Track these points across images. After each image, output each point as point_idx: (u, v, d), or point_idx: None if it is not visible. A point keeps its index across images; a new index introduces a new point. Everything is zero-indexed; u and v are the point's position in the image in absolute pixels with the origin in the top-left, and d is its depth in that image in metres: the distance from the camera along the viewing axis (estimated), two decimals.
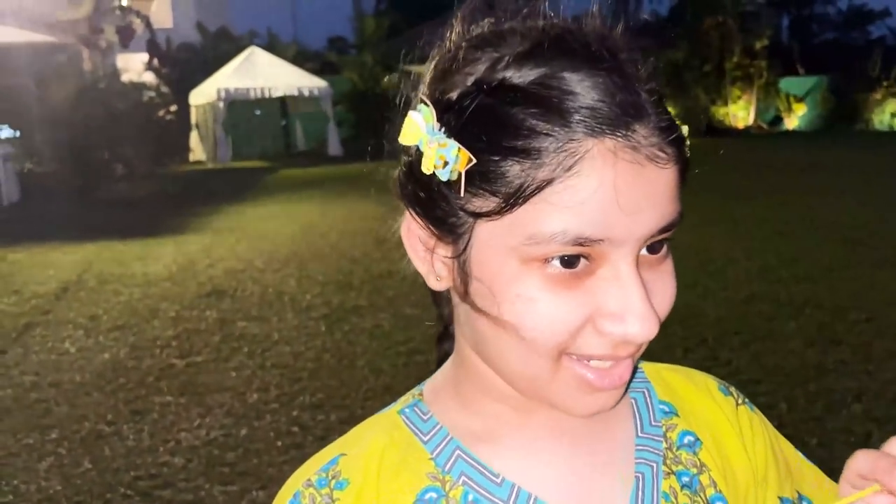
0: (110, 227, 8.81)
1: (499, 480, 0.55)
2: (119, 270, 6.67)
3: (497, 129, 0.46)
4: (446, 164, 0.47)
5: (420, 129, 0.49)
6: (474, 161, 0.46)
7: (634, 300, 0.47)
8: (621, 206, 0.45)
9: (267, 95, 16.70)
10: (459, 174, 0.47)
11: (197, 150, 17.22)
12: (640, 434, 0.59)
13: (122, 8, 14.72)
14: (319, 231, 8.15)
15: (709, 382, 0.65)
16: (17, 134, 13.72)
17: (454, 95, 0.48)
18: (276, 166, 15.88)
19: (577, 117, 0.45)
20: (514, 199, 0.46)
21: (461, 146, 0.47)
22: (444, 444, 0.56)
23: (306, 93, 16.89)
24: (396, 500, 0.54)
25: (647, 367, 0.64)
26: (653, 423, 0.60)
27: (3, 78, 12.74)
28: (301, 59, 19.81)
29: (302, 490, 0.56)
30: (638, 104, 0.46)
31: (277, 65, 17.04)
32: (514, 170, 0.46)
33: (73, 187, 11.53)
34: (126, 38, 14.35)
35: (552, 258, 0.46)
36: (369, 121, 18.91)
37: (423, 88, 0.51)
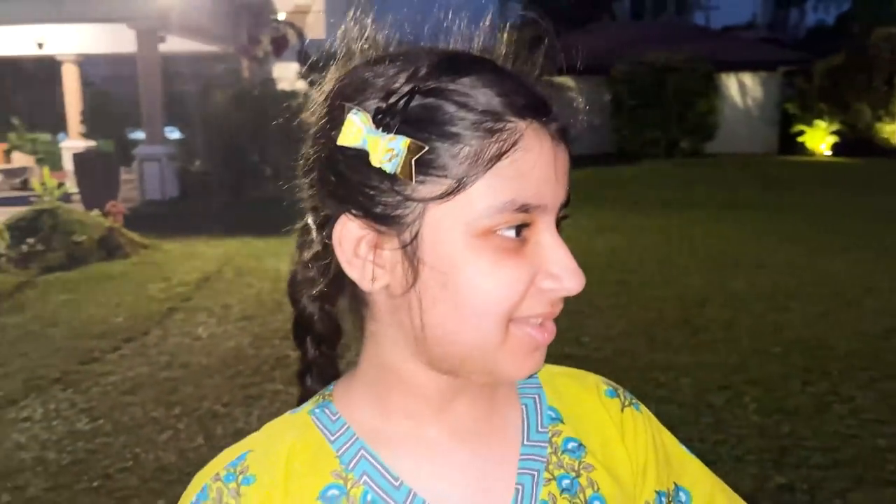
0: (253, 223, 9.42)
1: (397, 484, 0.58)
2: (254, 264, 7.15)
3: (439, 119, 0.52)
4: (395, 156, 0.51)
5: (362, 129, 0.52)
6: (426, 148, 0.51)
7: (567, 260, 0.54)
8: (546, 175, 0.53)
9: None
10: (407, 165, 0.51)
11: None
12: (525, 442, 0.62)
13: (277, 21, 15.72)
14: None
15: (599, 385, 0.69)
16: (181, 136, 15.01)
17: (383, 103, 0.53)
18: None
19: (509, 105, 0.53)
20: (465, 177, 0.51)
21: (407, 137, 0.51)
22: (349, 443, 0.59)
23: None
24: (302, 497, 0.57)
25: (542, 372, 0.67)
26: (539, 429, 0.63)
27: (171, 84, 13.97)
28: None
29: (210, 483, 0.58)
30: (545, 97, 0.56)
31: None
32: (459, 151, 0.51)
33: (225, 186, 12.43)
34: (279, 49, 15.31)
35: (501, 229, 0.52)
36: None
37: (337, 103, 0.55)
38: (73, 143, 15.37)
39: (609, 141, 19.36)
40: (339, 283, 0.59)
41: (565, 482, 0.61)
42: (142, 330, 5.11)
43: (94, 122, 16.13)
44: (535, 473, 0.61)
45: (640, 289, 6.00)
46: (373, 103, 0.53)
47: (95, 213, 8.24)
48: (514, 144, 0.52)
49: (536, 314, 0.55)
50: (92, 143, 15.39)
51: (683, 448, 0.72)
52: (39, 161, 16.23)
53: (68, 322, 5.34)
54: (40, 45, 13.97)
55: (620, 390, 0.69)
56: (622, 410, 0.67)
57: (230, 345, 4.76)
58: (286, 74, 17.76)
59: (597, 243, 7.87)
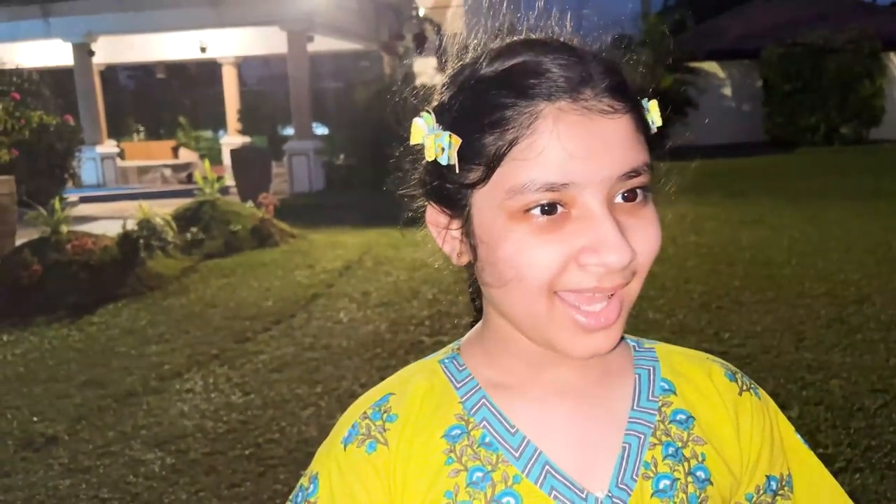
0: (392, 215, 9.75)
1: (513, 431, 0.64)
2: (392, 254, 7.41)
3: (475, 112, 0.58)
4: (443, 150, 0.59)
5: (422, 130, 0.61)
6: (461, 141, 0.58)
7: (606, 232, 0.55)
8: (571, 152, 0.54)
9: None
10: (454, 156, 0.58)
11: None
12: (635, 408, 0.66)
13: (418, 17, 16.08)
14: None
15: (714, 368, 0.70)
16: (327, 131, 15.76)
17: (445, 99, 0.61)
18: None
19: (534, 88, 0.56)
20: (492, 163, 0.56)
21: (451, 133, 0.58)
22: (472, 392, 0.67)
23: None
24: (431, 433, 0.65)
25: (661, 349, 0.71)
26: (650, 398, 0.67)
27: (317, 82, 14.69)
28: None
29: (359, 421, 0.68)
30: (586, 73, 0.56)
31: None
32: (489, 140, 0.56)
33: (367, 179, 12.92)
34: (420, 44, 15.67)
35: (532, 208, 0.56)
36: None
37: (436, 97, 0.64)
38: (231, 139, 16.56)
39: (760, 129, 18.28)
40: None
41: (671, 449, 0.64)
42: (289, 313, 5.46)
43: (249, 119, 17.27)
44: (642, 436, 0.64)
45: (789, 284, 5.66)
46: (442, 101, 0.62)
47: (249, 204, 8.85)
48: (528, 127, 0.55)
49: (581, 288, 0.57)
50: (247, 140, 16.50)
51: (800, 439, 0.71)
52: (202, 157, 17.61)
53: (225, 304, 5.79)
54: (203, 49, 15.12)
55: (739, 374, 0.70)
56: (740, 394, 0.68)
57: (368, 329, 4.98)
58: (426, 69, 18.17)
59: (742, 236, 7.49)
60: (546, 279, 0.56)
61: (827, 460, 2.97)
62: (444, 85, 0.63)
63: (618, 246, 0.55)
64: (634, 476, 0.63)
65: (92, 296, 5.87)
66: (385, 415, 0.67)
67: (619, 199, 0.57)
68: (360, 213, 10.05)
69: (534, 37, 0.62)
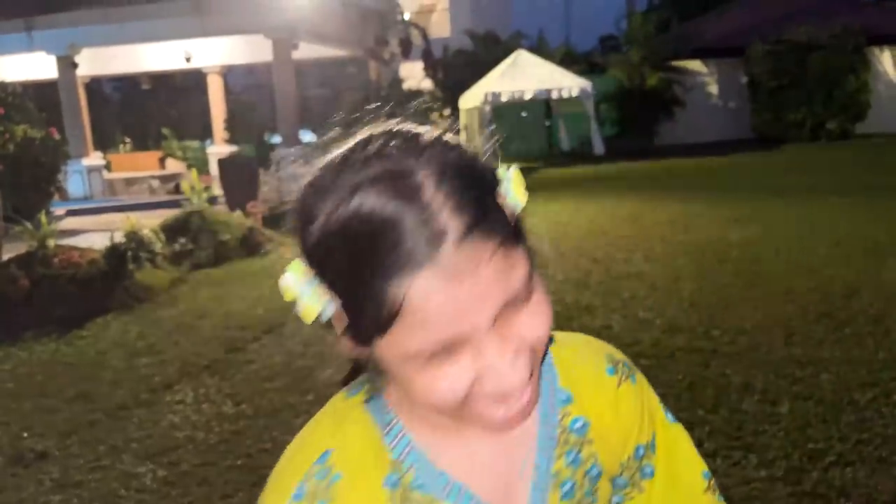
0: None
1: (439, 472, 0.68)
2: None
3: (345, 281, 0.57)
4: (322, 313, 0.60)
5: (293, 288, 0.61)
6: (337, 305, 0.59)
7: (500, 363, 0.58)
8: (450, 313, 0.55)
9: (532, 97, 17.15)
10: (339, 321, 0.60)
11: None
12: (541, 426, 0.72)
13: (403, 22, 16.11)
14: (566, 230, 8.25)
15: (601, 365, 0.77)
16: (314, 138, 15.74)
17: (312, 244, 0.60)
18: (539, 166, 16.27)
19: (394, 269, 0.54)
20: (379, 330, 0.57)
21: (329, 294, 0.59)
22: (399, 437, 0.69)
23: (570, 93, 17.01)
24: (373, 484, 0.67)
25: (558, 353, 0.75)
26: (550, 415, 0.73)
27: (304, 89, 14.69)
28: (569, 59, 20.03)
29: (305, 482, 0.67)
30: (437, 230, 0.54)
31: (542, 66, 17.38)
32: (371, 311, 0.56)
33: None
34: (407, 50, 15.70)
35: (431, 360, 0.57)
36: (634, 119, 18.58)
37: (295, 235, 0.63)
38: (218, 148, 16.53)
39: (747, 126, 18.39)
40: None
41: (571, 456, 0.73)
42: (279, 321, 5.43)
43: (236, 128, 17.24)
44: (549, 453, 0.72)
45: (778, 281, 5.68)
46: (308, 244, 0.63)
47: (238, 213, 8.83)
48: (402, 302, 0.54)
49: (493, 394, 0.60)
50: (234, 149, 16.47)
51: (663, 410, 0.81)
52: (189, 167, 17.56)
53: (215, 314, 5.77)
54: (188, 59, 15.10)
55: (620, 365, 0.78)
56: (619, 386, 0.76)
57: None
58: (412, 73, 18.21)
59: (731, 233, 7.53)
60: (456, 401, 0.59)
61: (818, 455, 2.99)
62: (301, 213, 0.62)
63: (512, 371, 0.59)
64: (546, 491, 0.71)
65: (80, 309, 5.83)
66: (330, 474, 0.67)
67: (516, 306, 0.59)
68: None
69: (370, 157, 0.58)
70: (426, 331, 0.55)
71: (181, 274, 7.17)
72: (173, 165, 17.59)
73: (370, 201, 0.55)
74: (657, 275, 6.00)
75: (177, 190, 15.94)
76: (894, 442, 3.04)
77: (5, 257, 6.64)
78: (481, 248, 0.55)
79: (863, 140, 16.42)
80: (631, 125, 18.48)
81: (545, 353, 0.66)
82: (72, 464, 3.33)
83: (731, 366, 3.99)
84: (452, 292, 0.54)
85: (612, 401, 0.75)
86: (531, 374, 0.61)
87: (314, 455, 0.68)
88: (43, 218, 6.35)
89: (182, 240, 7.70)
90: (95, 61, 14.46)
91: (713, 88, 20.02)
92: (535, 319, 0.60)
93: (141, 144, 20.59)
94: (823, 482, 2.80)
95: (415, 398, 0.61)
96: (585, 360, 0.77)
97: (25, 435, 3.67)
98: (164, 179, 16.50)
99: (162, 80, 20.05)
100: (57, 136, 10.27)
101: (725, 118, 19.48)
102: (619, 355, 0.79)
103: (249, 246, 8.10)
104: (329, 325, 0.61)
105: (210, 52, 15.25)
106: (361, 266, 0.55)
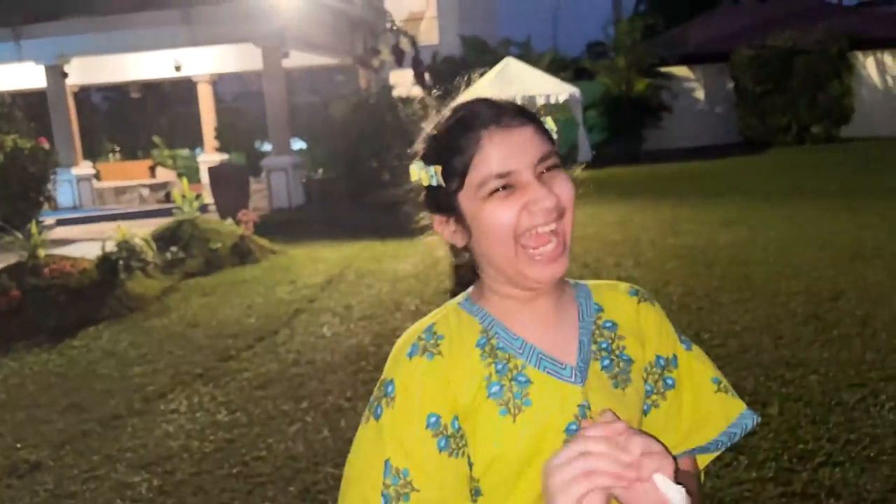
0: (373, 228, 9.74)
1: (515, 337, 0.99)
2: (374, 266, 7.42)
3: (445, 147, 0.96)
4: (432, 177, 0.97)
5: (416, 169, 0.99)
6: (441, 167, 0.96)
7: (537, 191, 0.92)
8: (504, 154, 0.92)
9: (521, 103, 17.20)
10: (440, 177, 0.96)
11: None
12: (580, 321, 1.03)
13: (393, 30, 16.14)
14: None
15: (626, 289, 1.08)
16: (304, 146, 15.74)
17: (426, 146, 1.00)
18: None
19: (473, 124, 0.94)
20: (462, 173, 0.94)
21: (434, 165, 0.97)
22: (485, 317, 1.00)
23: (557, 99, 17.09)
24: (466, 344, 0.97)
25: (590, 284, 1.08)
26: (587, 316, 1.04)
27: (294, 97, 14.68)
28: (556, 66, 20.12)
29: (417, 342, 0.96)
30: (499, 109, 0.96)
31: (531, 73, 17.46)
32: (457, 160, 0.95)
33: (346, 192, 12.93)
34: (399, 58, 15.73)
35: (494, 191, 0.92)
36: (622, 124, 18.68)
37: (420, 145, 1.01)
38: (208, 157, 16.48)
39: (734, 130, 18.52)
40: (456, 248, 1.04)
41: (604, 343, 1.02)
42: (272, 329, 5.45)
43: (226, 136, 17.20)
44: (588, 336, 1.02)
45: (766, 283, 5.75)
46: (422, 152, 1.00)
47: (229, 221, 8.82)
48: (478, 145, 0.93)
49: (532, 225, 0.92)
50: (225, 157, 16.43)
51: (679, 339, 1.07)
52: (180, 175, 17.50)
53: (207, 323, 5.77)
54: (178, 68, 15.06)
55: (641, 291, 1.08)
56: (638, 304, 1.06)
57: (352, 343, 4.99)
58: (402, 81, 18.24)
59: (719, 237, 7.59)
60: (511, 225, 0.92)
61: (807, 456, 3.03)
62: (421, 142, 1.00)
63: (545, 195, 0.91)
64: (587, 358, 0.99)
65: (72, 319, 5.82)
66: (435, 336, 0.97)
67: (543, 173, 0.93)
68: (341, 227, 10.05)
69: (462, 100, 1.00)
70: (490, 164, 0.92)
71: (173, 282, 7.16)
72: (163, 174, 17.51)
73: (464, 108, 0.97)
74: (647, 279, 6.05)
75: (167, 199, 15.88)
76: (883, 441, 3.09)
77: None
78: (527, 124, 0.94)
79: (847, 143, 16.58)
80: (619, 131, 18.56)
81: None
82: (66, 474, 3.33)
83: (722, 368, 3.99)
84: (507, 139, 0.93)
85: (634, 311, 1.05)
86: (562, 236, 0.93)
87: (421, 328, 0.99)
88: (34, 228, 6.33)
89: (173, 248, 7.69)
90: (84, 70, 14.39)
91: (700, 94, 20.16)
92: (562, 184, 0.94)
93: (130, 153, 20.48)
94: (813, 482, 2.85)
95: (486, 234, 0.93)
96: (613, 287, 1.08)
97: (19, 446, 3.66)
98: (155, 188, 16.42)
99: (151, 89, 19.98)
100: (46, 146, 10.22)
101: (712, 123, 19.61)
102: (642, 289, 1.08)
103: (241, 254, 8.10)
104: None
105: (200, 61, 15.23)
106: (455, 134, 0.94)
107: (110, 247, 6.69)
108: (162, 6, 11.99)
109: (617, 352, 1.01)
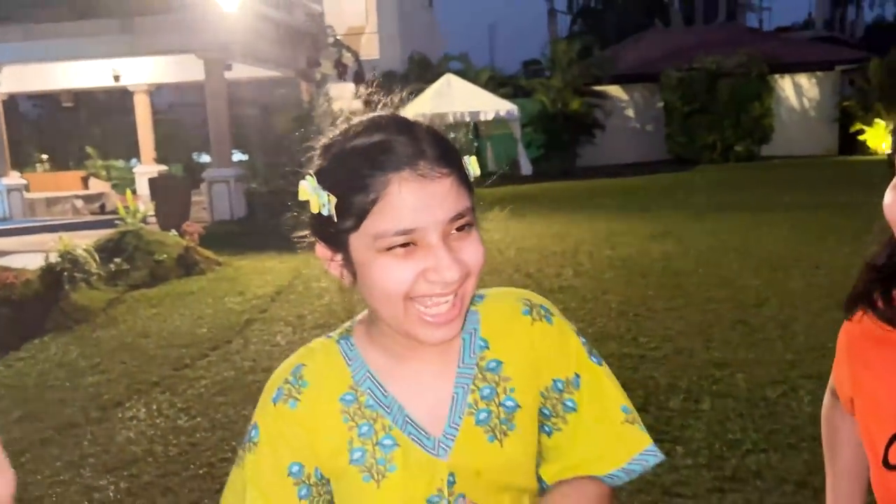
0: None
1: (386, 395, 0.91)
2: (324, 276, 7.49)
3: (345, 179, 0.81)
4: (324, 206, 0.82)
5: (308, 190, 0.83)
6: (336, 199, 0.81)
7: (442, 258, 0.80)
8: (413, 207, 0.79)
9: (460, 119, 17.57)
10: (334, 209, 0.81)
11: None
12: (460, 365, 0.93)
13: (336, 44, 16.27)
14: (499, 247, 8.58)
15: (517, 307, 0.95)
16: (246, 158, 15.67)
17: (324, 164, 0.85)
18: None
19: (385, 163, 0.79)
20: (360, 216, 0.80)
21: (329, 193, 0.81)
22: (360, 368, 0.92)
23: (496, 115, 17.50)
24: (331, 396, 0.91)
25: (483, 308, 0.95)
26: (470, 356, 0.93)
27: (235, 108, 14.63)
28: (494, 83, 20.60)
29: (282, 385, 0.92)
30: (420, 149, 0.81)
31: (469, 90, 17.84)
32: (357, 199, 0.80)
33: (289, 205, 12.94)
34: (342, 71, 15.86)
35: (393, 247, 0.80)
36: (558, 141, 19.28)
37: (315, 163, 0.87)
38: (145, 168, 16.22)
39: (663, 148, 19.34)
40: None
41: (486, 391, 0.92)
42: (224, 339, 5.52)
43: (163, 147, 16.96)
44: (465, 386, 0.92)
45: (696, 291, 6.14)
46: (322, 166, 0.84)
47: (173, 233, 8.78)
48: (384, 189, 0.79)
49: (428, 294, 0.82)
50: (163, 168, 16.20)
51: (587, 354, 0.96)
52: (115, 186, 17.14)
53: (158, 333, 5.78)
54: (116, 78, 14.82)
55: (536, 308, 0.95)
56: (532, 324, 0.94)
57: None
58: (342, 94, 18.36)
59: (652, 249, 8.01)
60: (403, 290, 0.81)
61: (736, 444, 3.34)
62: (321, 152, 0.86)
63: (451, 266, 0.80)
64: (461, 416, 0.90)
65: (16, 332, 5.73)
66: (300, 381, 0.92)
67: (453, 232, 0.82)
68: (285, 239, 9.98)
69: (383, 116, 0.86)
70: (394, 217, 0.79)
71: (118, 294, 7.10)
72: (97, 185, 17.11)
73: (380, 132, 0.82)
74: (586, 288, 6.37)
75: (102, 210, 15.54)
76: (802, 430, 3.43)
77: None
78: (446, 171, 0.81)
79: (767, 161, 17.55)
80: (554, 147, 19.14)
81: (472, 299, 0.88)
82: (29, 479, 3.35)
83: (658, 369, 4.34)
84: (420, 191, 0.79)
85: (526, 335, 0.93)
86: (460, 298, 0.84)
87: (289, 369, 0.93)
88: None
89: (117, 260, 7.62)
90: (15, 78, 14.02)
91: (631, 112, 20.97)
92: (472, 247, 0.83)
93: (61, 164, 19.92)
94: (741, 468, 3.15)
95: (372, 289, 0.83)
96: (504, 305, 0.96)
97: None
98: (89, 199, 16.04)
99: (84, 98, 19.51)
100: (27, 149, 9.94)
101: (643, 141, 20.41)
102: (538, 300, 0.96)
103: (186, 265, 8.08)
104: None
105: (138, 71, 15.02)
106: (361, 166, 0.80)
107: (53, 258, 6.61)
108: (101, 15, 11.84)
109: (500, 398, 0.92)
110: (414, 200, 0.79)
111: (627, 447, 0.94)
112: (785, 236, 8.26)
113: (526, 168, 17.70)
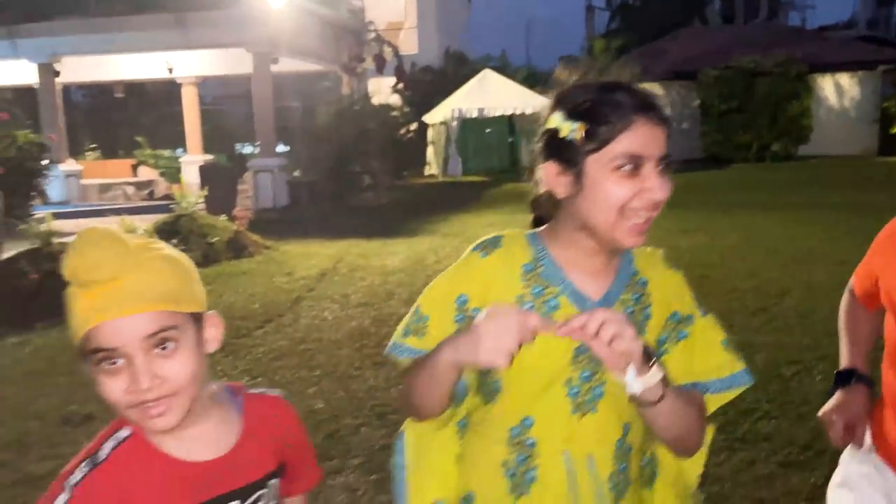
0: (357, 228, 10.28)
1: (559, 272, 1.20)
2: (364, 262, 7.95)
3: (597, 115, 1.11)
4: (573, 131, 1.11)
5: (558, 120, 1.14)
6: (584, 128, 1.11)
7: (657, 182, 1.11)
8: (645, 142, 1.10)
9: (496, 114, 17.86)
10: (580, 135, 1.11)
11: (432, 164, 18.84)
12: (619, 274, 1.24)
13: (377, 39, 16.70)
14: None
15: (659, 254, 1.29)
16: (288, 148, 16.20)
17: (578, 100, 1.13)
18: (501, 180, 16.96)
19: (630, 106, 1.10)
20: (605, 142, 1.10)
21: (581, 122, 1.11)
22: (542, 251, 1.22)
23: (532, 111, 17.68)
24: (515, 265, 1.20)
25: (634, 251, 1.26)
26: (627, 271, 1.25)
27: (279, 101, 15.15)
28: (532, 79, 20.84)
29: (483, 241, 1.23)
30: (653, 102, 1.13)
31: (506, 86, 18.13)
32: (604, 130, 1.10)
33: (330, 194, 13.42)
34: (381, 66, 16.28)
35: (623, 167, 1.10)
36: None
37: (556, 101, 1.17)
38: (191, 157, 16.83)
39: (699, 146, 19.41)
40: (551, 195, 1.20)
41: (633, 296, 1.22)
42: (276, 313, 5.96)
43: (206, 138, 17.56)
44: (621, 285, 1.22)
45: (721, 282, 6.41)
46: (566, 106, 1.14)
47: (223, 218, 9.28)
48: (628, 125, 1.09)
49: (639, 208, 1.11)
50: (209, 157, 16.81)
51: (697, 308, 1.26)
52: (162, 174, 17.82)
53: (214, 307, 6.03)
54: (170, 70, 15.42)
55: (671, 260, 1.29)
56: (668, 268, 1.28)
57: (353, 325, 5.52)
58: (380, 88, 18.80)
59: (681, 242, 8.26)
60: (622, 202, 1.11)
61: (748, 412, 3.66)
62: (565, 95, 1.16)
63: (660, 188, 1.11)
64: (616, 298, 1.20)
65: None
66: (495, 244, 1.23)
67: (662, 168, 1.12)
68: (327, 227, 10.54)
69: (616, 80, 1.16)
70: (631, 145, 1.08)
71: None
72: (146, 173, 17.80)
73: (621, 87, 1.14)
74: None
75: (150, 196, 16.22)
76: (812, 402, 3.72)
77: (10, 254, 7.01)
78: (664, 126, 1.13)
79: (804, 161, 17.55)
80: None
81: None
82: None
83: None
84: (650, 130, 1.10)
85: (663, 273, 1.25)
86: (652, 216, 1.13)
87: (490, 236, 1.24)
88: (49, 217, 6.75)
89: (173, 241, 8.12)
90: (72, 69, 14.69)
91: (668, 110, 20.73)
92: (668, 184, 1.11)
93: (109, 152, 20.71)
94: (752, 431, 3.47)
95: (595, 199, 1.11)
96: (649, 252, 1.28)
97: (69, 403, 4.13)
98: (139, 186, 16.73)
99: (134, 89, 20.26)
100: (55, 140, 10.58)
101: (678, 138, 20.43)
102: (671, 259, 1.29)
103: (236, 248, 8.56)
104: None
105: (187, 63, 15.62)
106: (612, 106, 1.10)
107: None
108: (156, 10, 12.41)
109: (641, 305, 1.20)
110: (645, 137, 1.08)
111: (728, 366, 1.24)
112: (814, 233, 8.46)
113: None
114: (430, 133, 18.91)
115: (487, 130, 19.68)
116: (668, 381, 1.11)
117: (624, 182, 1.09)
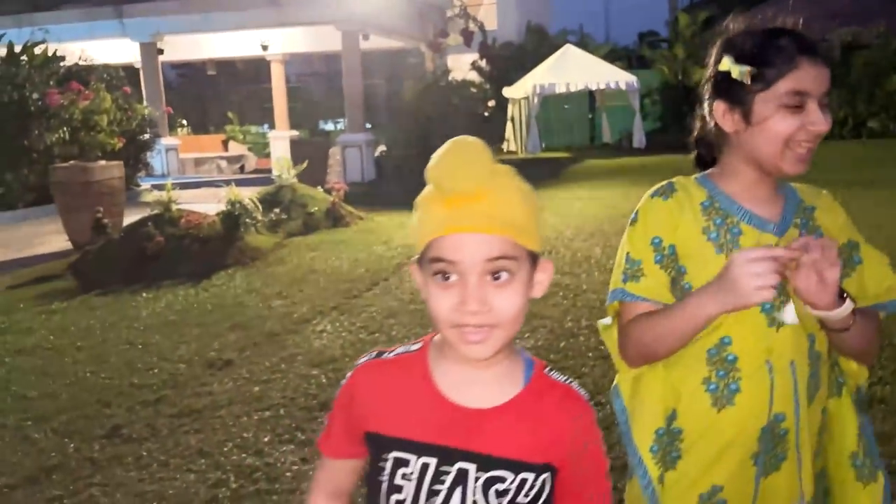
0: None
1: (736, 202, 1.35)
2: None
3: (764, 58, 1.26)
4: (743, 73, 1.26)
5: (729, 63, 1.29)
6: (752, 70, 1.26)
7: (820, 116, 1.25)
8: (811, 80, 1.24)
9: (576, 90, 17.75)
10: (748, 77, 1.26)
11: (511, 140, 18.91)
12: (786, 203, 1.38)
13: (462, 14, 16.80)
14: (622, 212, 8.95)
15: (820, 189, 1.45)
16: (370, 125, 16.55)
17: (746, 47, 1.29)
18: (582, 156, 16.91)
19: (795, 49, 1.25)
20: (772, 82, 1.25)
21: (750, 66, 1.26)
22: (714, 188, 1.38)
23: (614, 87, 17.55)
24: (694, 202, 1.36)
25: (795, 185, 1.42)
26: (792, 200, 1.39)
27: (367, 78, 15.48)
28: (612, 55, 20.60)
29: (659, 188, 1.39)
30: (815, 48, 1.27)
31: (588, 61, 17.97)
32: (770, 72, 1.25)
33: (415, 169, 13.66)
34: (468, 40, 16.40)
35: (789, 105, 1.24)
36: (677, 114, 19.11)
37: (725, 46, 1.33)
38: (279, 133, 17.42)
39: None
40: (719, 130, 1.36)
41: (803, 220, 1.37)
42: (382, 277, 6.25)
43: (291, 114, 18.09)
44: (792, 210, 1.37)
45: None
46: (735, 51, 1.30)
47: (319, 189, 9.66)
48: (794, 66, 1.23)
49: (804, 140, 1.26)
50: (295, 133, 17.35)
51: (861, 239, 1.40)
52: (250, 149, 18.50)
53: (323, 271, 6.59)
54: (265, 47, 15.95)
55: (830, 194, 1.43)
56: (832, 202, 1.42)
57: None
58: (458, 65, 18.92)
59: None
60: (789, 134, 1.25)
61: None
62: (740, 38, 1.30)
63: (825, 122, 1.24)
64: (787, 225, 1.35)
65: (205, 264, 6.69)
66: (672, 189, 1.39)
67: (825, 104, 1.26)
68: (414, 199, 10.78)
69: (783, 27, 1.30)
70: (798, 83, 1.23)
71: (279, 239, 8.01)
72: (236, 147, 18.54)
73: (785, 33, 1.28)
74: None
75: (241, 170, 16.88)
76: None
77: (132, 219, 7.54)
78: (827, 67, 1.27)
79: None
80: (673, 120, 19.00)
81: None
82: (255, 368, 4.16)
83: None
84: (814, 70, 1.24)
85: (829, 206, 1.40)
86: (817, 141, 1.27)
87: (663, 184, 1.40)
88: (168, 186, 7.22)
89: (276, 210, 8.55)
90: (168, 47, 15.38)
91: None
92: (828, 117, 1.25)
93: (200, 128, 21.60)
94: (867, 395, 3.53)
95: (763, 130, 1.25)
96: (811, 188, 1.43)
97: (207, 349, 4.51)
98: (230, 160, 17.45)
99: (225, 67, 21.03)
100: (171, 113, 11.18)
101: None
102: (829, 193, 1.43)
103: (333, 218, 8.93)
104: None
105: (277, 41, 16.12)
106: (777, 49, 1.25)
107: (223, 207, 7.55)
108: None
109: (809, 230, 1.32)
110: (810, 75, 1.22)
111: None
112: None
113: (639, 141, 17.71)
114: (510, 109, 18.96)
115: (566, 106, 19.58)
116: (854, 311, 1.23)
117: (789, 117, 1.23)
